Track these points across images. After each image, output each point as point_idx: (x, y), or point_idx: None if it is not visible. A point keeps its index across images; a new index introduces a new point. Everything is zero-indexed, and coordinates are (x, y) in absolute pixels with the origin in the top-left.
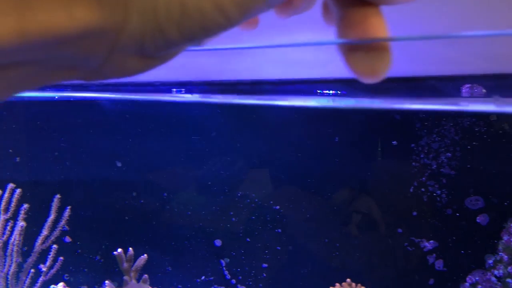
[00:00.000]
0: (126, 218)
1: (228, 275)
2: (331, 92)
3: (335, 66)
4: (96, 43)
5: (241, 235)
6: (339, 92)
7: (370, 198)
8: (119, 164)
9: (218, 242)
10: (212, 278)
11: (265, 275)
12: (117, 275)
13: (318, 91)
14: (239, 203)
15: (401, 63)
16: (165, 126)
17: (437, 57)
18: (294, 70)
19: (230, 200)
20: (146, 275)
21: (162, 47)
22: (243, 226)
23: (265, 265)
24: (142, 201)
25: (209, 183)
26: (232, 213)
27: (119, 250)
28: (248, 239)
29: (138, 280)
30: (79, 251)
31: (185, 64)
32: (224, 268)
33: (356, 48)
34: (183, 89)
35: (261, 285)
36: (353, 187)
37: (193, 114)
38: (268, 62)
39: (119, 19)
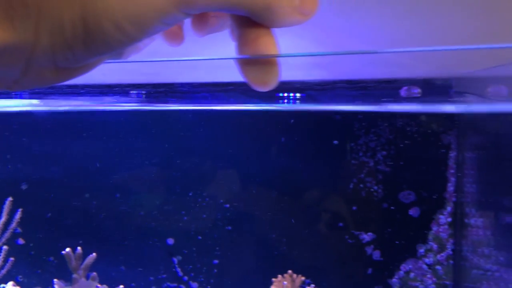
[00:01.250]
0: (79, 219)
1: (181, 272)
2: (291, 95)
3: (295, 71)
4: (12, 58)
5: (192, 233)
6: (298, 95)
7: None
8: (70, 166)
9: (171, 241)
10: (164, 275)
11: (216, 271)
12: (70, 275)
13: (279, 94)
14: (190, 202)
15: (346, 68)
16: (114, 128)
17: (382, 61)
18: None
19: (181, 200)
20: (94, 273)
21: (72, 61)
22: (195, 224)
23: (216, 261)
24: (95, 202)
25: (160, 183)
26: (183, 212)
27: (68, 249)
28: (200, 237)
29: (87, 278)
30: (32, 252)
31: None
32: (176, 265)
33: (249, 62)
34: (144, 92)
35: (212, 280)
36: (298, 185)
37: (139, 117)
38: (222, 66)
39: (30, 38)
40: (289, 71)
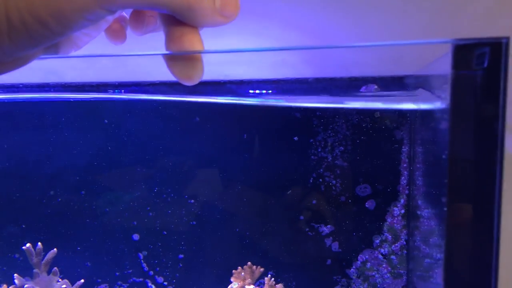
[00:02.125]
0: (45, 217)
1: (146, 267)
2: (264, 91)
3: (264, 67)
4: None
5: (158, 229)
6: (270, 92)
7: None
8: (35, 163)
9: (136, 237)
10: (130, 271)
11: (181, 265)
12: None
13: (251, 91)
14: (155, 198)
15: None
16: (79, 123)
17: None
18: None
19: (146, 196)
20: (56, 268)
21: (1, 56)
22: (160, 220)
23: (181, 255)
24: (59, 199)
25: (124, 180)
26: (149, 208)
27: (28, 245)
28: (165, 232)
29: (48, 273)
30: None
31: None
32: (142, 260)
33: (175, 58)
34: (123, 90)
35: (177, 274)
36: (259, 181)
37: (113, 111)
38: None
39: None
40: (244, 69)
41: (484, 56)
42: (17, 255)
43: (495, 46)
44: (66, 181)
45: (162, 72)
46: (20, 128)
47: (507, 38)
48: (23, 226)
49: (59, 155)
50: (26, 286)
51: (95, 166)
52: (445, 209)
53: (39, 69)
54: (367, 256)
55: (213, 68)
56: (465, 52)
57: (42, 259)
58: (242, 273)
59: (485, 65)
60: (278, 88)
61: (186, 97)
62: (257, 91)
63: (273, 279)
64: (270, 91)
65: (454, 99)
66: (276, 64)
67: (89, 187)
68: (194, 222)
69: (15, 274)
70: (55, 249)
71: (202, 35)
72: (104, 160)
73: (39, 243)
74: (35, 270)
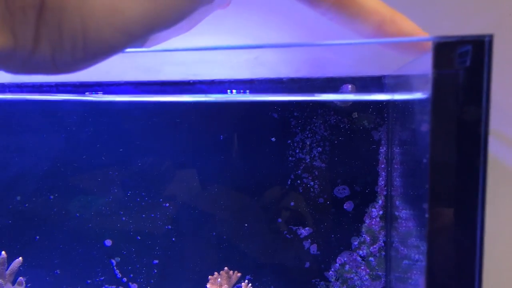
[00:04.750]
0: (10, 222)
1: (119, 274)
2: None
3: (240, 67)
4: (9, 60)
5: (131, 233)
6: (239, 91)
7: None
8: None
9: (108, 242)
10: (102, 278)
11: (156, 271)
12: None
13: (228, 91)
14: (128, 202)
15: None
16: (45, 124)
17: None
18: (203, 70)
19: (118, 200)
20: (21, 277)
21: (71, 65)
22: (133, 225)
23: (155, 261)
24: (26, 205)
25: (96, 184)
26: (122, 212)
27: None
28: (139, 237)
29: (13, 283)
30: None
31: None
32: (114, 267)
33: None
34: (101, 91)
35: (152, 281)
36: (237, 183)
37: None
38: (172, 63)
39: (28, 44)
40: (227, 69)
41: (466, 54)
42: None
43: (478, 44)
44: (33, 185)
45: (125, 72)
46: None
47: (490, 36)
48: None
49: (22, 158)
50: None
51: (63, 170)
52: (427, 215)
53: None
54: (345, 258)
55: (182, 68)
56: (446, 51)
57: (6, 269)
58: (219, 279)
59: (468, 64)
60: (252, 88)
61: (154, 97)
62: (234, 92)
63: (250, 284)
64: (243, 91)
65: (435, 99)
66: (249, 63)
67: (58, 192)
68: (169, 227)
69: None
70: (20, 258)
71: (178, 36)
72: (72, 163)
73: (3, 252)
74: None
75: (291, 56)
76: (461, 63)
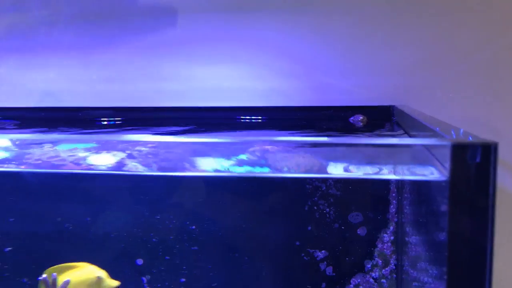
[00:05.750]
0: (52, 243)
1: None
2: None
3: (255, 95)
4: None
5: (160, 253)
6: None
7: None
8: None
9: (140, 261)
10: None
11: None
12: None
13: (241, 118)
14: (158, 225)
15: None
16: None
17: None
18: (215, 98)
19: (150, 222)
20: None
21: None
22: (163, 245)
23: (183, 279)
24: (66, 225)
25: (129, 207)
26: (152, 234)
27: (44, 275)
28: (168, 257)
29: None
30: (6, 274)
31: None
32: (145, 284)
33: None
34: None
35: None
36: (258, 209)
37: None
38: (189, 89)
39: None
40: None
41: (477, 153)
42: (25, 280)
43: (486, 147)
44: (70, 208)
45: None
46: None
47: (495, 144)
48: (31, 255)
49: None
50: None
51: (101, 196)
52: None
53: (35, 91)
54: (359, 280)
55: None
56: (462, 150)
57: None
58: None
59: (478, 160)
60: (266, 115)
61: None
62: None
63: None
64: (259, 119)
65: (452, 185)
66: (264, 92)
67: (94, 215)
68: (196, 248)
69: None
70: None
71: (194, 62)
72: (110, 190)
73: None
74: None
75: (303, 85)
76: (472, 158)
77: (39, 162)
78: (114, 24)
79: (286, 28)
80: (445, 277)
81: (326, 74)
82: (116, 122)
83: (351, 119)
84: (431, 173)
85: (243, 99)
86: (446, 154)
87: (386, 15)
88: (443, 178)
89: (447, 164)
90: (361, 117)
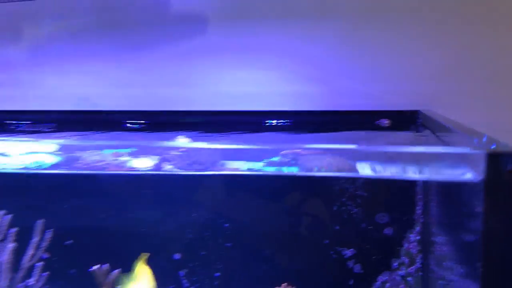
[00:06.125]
0: (95, 239)
1: (187, 283)
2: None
3: (281, 99)
4: None
5: (197, 249)
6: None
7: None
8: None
9: (177, 256)
10: (172, 286)
11: (217, 283)
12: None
13: (267, 122)
14: (194, 221)
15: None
16: None
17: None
18: (242, 102)
19: (185, 220)
20: (119, 286)
21: None
22: (199, 241)
23: (217, 273)
24: (111, 222)
25: (165, 206)
26: (189, 230)
27: (96, 266)
28: (203, 252)
29: None
30: (56, 266)
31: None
32: (183, 278)
33: None
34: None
35: None
36: (291, 210)
37: None
38: (216, 94)
39: None
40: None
41: (509, 160)
42: (73, 271)
43: None
44: (115, 208)
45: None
46: None
47: None
48: (79, 249)
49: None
50: None
51: (141, 196)
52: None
53: (72, 96)
54: (386, 277)
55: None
56: (496, 159)
57: (108, 278)
58: None
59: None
60: (294, 119)
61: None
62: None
63: None
64: (286, 121)
65: (487, 187)
66: (291, 97)
67: (136, 213)
68: (229, 244)
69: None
70: (118, 269)
71: (223, 68)
72: (149, 190)
73: (107, 264)
74: None
75: (328, 90)
76: (506, 165)
77: (93, 165)
78: (147, 32)
79: (312, 35)
80: (479, 275)
81: (352, 79)
82: (144, 126)
83: (377, 123)
84: (462, 177)
85: (273, 103)
86: (479, 160)
87: (412, 24)
88: (476, 183)
89: (479, 170)
90: (387, 122)
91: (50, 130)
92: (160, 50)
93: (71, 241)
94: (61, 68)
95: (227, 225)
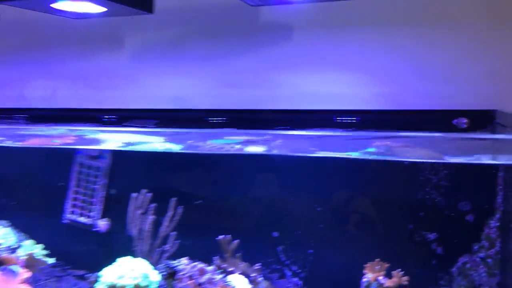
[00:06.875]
0: (211, 217)
1: (283, 257)
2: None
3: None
4: None
5: (292, 228)
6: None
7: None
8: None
9: (276, 234)
10: (271, 259)
11: (311, 258)
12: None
13: (338, 119)
14: (290, 205)
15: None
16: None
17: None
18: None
19: (283, 204)
20: (238, 253)
21: None
22: (295, 222)
23: (311, 251)
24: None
25: (269, 190)
26: (286, 213)
27: (221, 236)
28: (299, 232)
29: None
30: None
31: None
32: (280, 253)
33: None
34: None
35: (307, 265)
36: (380, 198)
37: None
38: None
39: None
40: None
41: None
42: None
43: None
44: (228, 190)
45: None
46: None
47: None
48: (205, 223)
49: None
50: (222, 266)
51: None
52: None
53: (169, 96)
54: (467, 259)
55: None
56: None
57: (230, 246)
58: (376, 266)
59: None
60: (363, 118)
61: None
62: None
63: (401, 272)
64: (354, 119)
65: None
66: (373, 97)
67: (245, 197)
68: (322, 225)
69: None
70: (237, 240)
71: (304, 71)
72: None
73: (229, 235)
74: (227, 255)
75: (407, 89)
76: None
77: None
78: (236, 39)
79: (390, 39)
80: None
81: (430, 80)
82: (227, 121)
83: (455, 121)
84: None
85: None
86: None
87: (487, 29)
88: None
89: None
90: (465, 120)
91: (154, 126)
92: (247, 55)
93: (197, 216)
94: (160, 71)
95: (319, 209)
